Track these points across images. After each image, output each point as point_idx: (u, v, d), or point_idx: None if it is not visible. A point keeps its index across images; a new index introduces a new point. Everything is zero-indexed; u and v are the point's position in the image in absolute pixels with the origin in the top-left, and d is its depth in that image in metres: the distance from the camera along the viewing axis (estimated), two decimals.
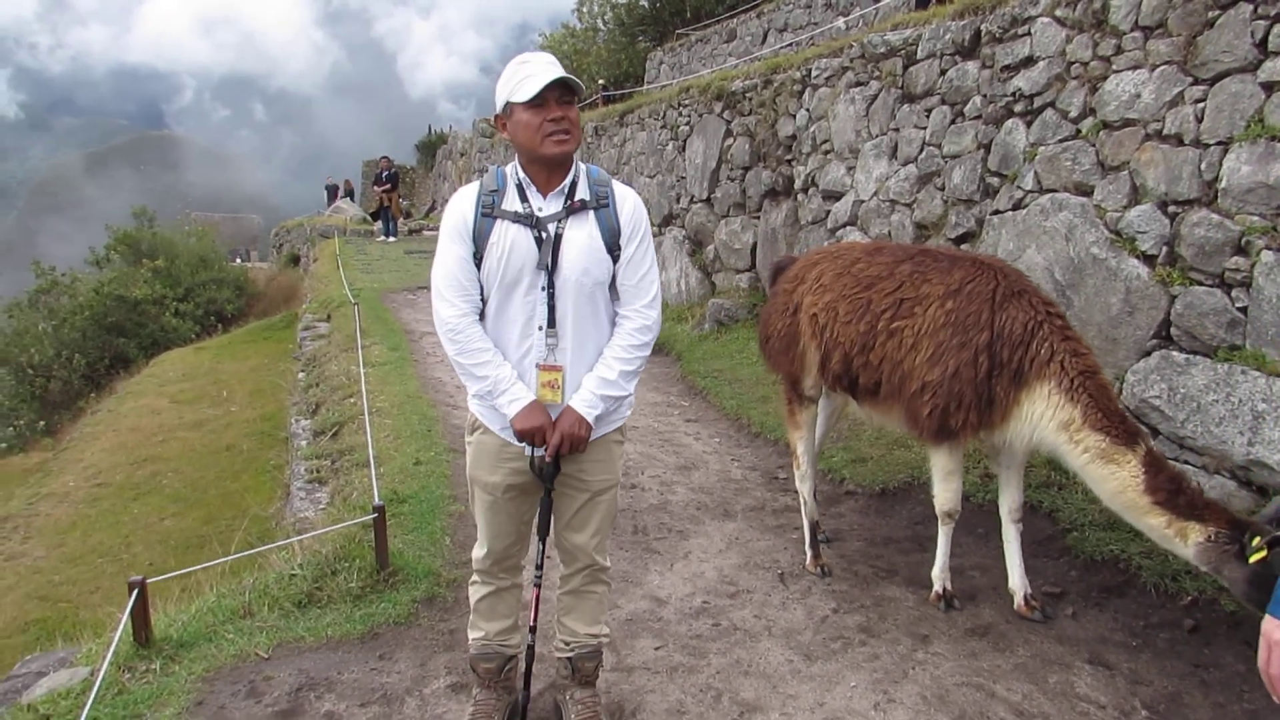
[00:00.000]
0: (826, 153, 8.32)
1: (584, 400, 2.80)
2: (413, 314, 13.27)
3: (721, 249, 10.34)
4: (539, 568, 3.01)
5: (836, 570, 4.61)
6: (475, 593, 3.15)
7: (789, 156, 9.08)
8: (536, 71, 2.65)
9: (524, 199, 2.79)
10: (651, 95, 13.83)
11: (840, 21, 15.12)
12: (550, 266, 2.75)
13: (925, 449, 4.21)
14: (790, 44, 16.93)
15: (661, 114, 11.93)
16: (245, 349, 19.11)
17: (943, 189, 6.68)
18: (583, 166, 2.90)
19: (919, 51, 6.99)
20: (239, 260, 39.28)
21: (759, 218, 9.67)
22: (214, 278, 25.97)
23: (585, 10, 33.38)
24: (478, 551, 3.10)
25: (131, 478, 12.93)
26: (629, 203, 2.89)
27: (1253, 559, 3.02)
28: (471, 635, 3.19)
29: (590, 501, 2.98)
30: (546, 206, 2.79)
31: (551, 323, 2.78)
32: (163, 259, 24.93)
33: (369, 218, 28.06)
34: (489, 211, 2.80)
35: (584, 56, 31.70)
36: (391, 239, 24.18)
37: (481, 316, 2.84)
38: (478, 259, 2.79)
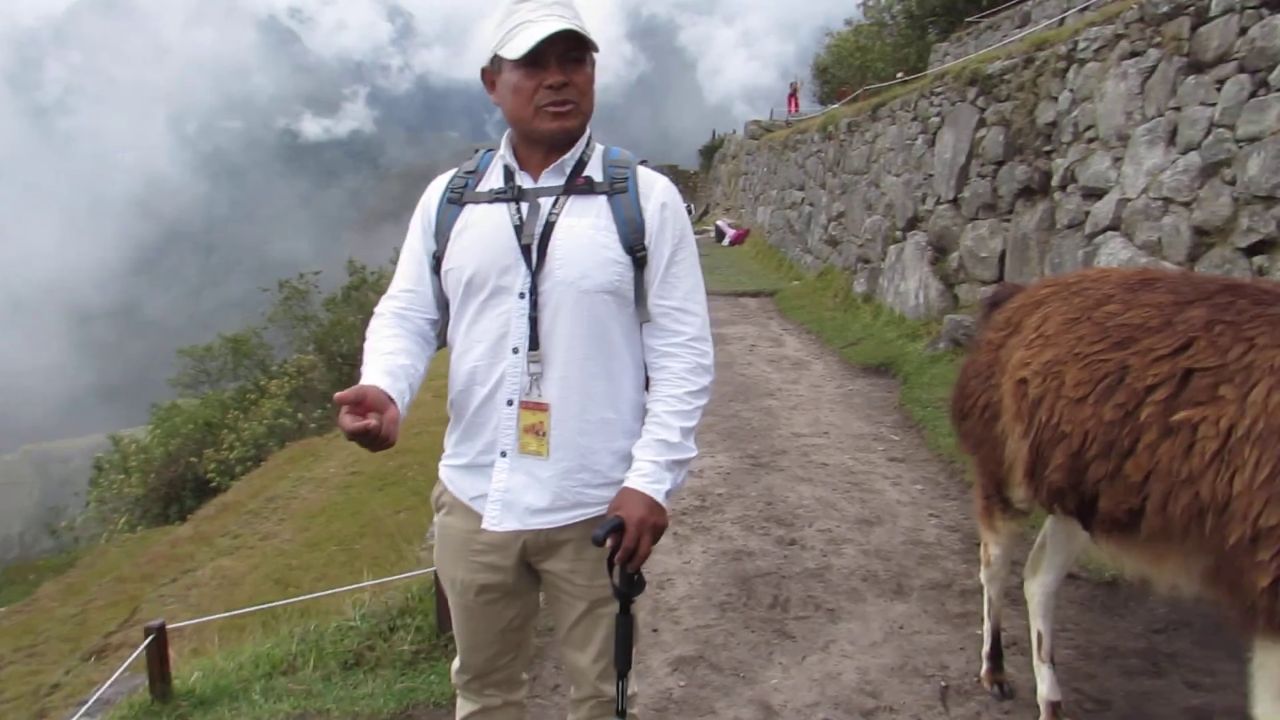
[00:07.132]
0: (1090, 141, 6.81)
1: (646, 475, 1.93)
2: None
3: (966, 256, 8.93)
4: (620, 715, 2.05)
5: (1023, 689, 3.44)
6: (460, 708, 2.32)
7: (1047, 148, 7.59)
8: (533, 17, 1.87)
9: (509, 180, 2.03)
10: (905, 87, 12.46)
11: None
12: (535, 262, 1.96)
13: (1252, 640, 2.24)
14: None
15: (913, 105, 10.64)
16: None
17: (1233, 183, 5.09)
18: (600, 145, 2.08)
19: (1212, 6, 5.41)
20: None
21: (1010, 221, 8.20)
22: None
23: (871, 4, 31.90)
24: (454, 664, 2.29)
25: (382, 468, 13.59)
26: (657, 190, 2.02)
27: None
28: None
29: (589, 614, 2.10)
30: (540, 183, 2.01)
31: (534, 343, 1.97)
32: None
33: None
34: (457, 197, 2.06)
35: (867, 53, 30.44)
36: None
37: (446, 338, 2.12)
38: (439, 261, 2.05)
